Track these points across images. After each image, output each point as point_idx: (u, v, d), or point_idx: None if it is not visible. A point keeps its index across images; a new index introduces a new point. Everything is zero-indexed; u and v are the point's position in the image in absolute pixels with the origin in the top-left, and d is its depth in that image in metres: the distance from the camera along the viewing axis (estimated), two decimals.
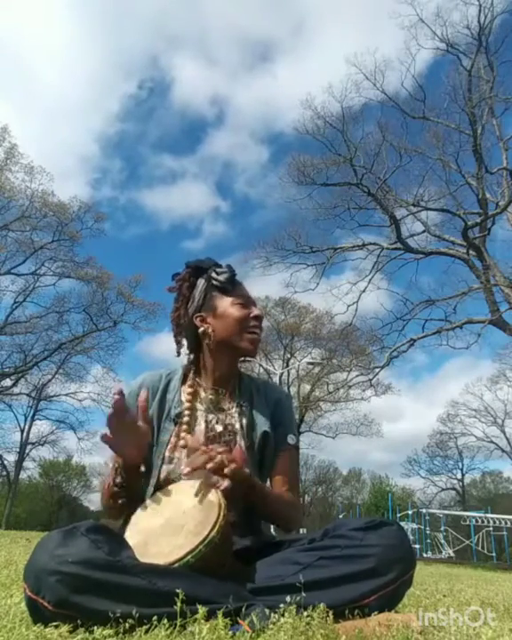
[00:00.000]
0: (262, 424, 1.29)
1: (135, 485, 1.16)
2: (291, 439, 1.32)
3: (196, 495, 1.02)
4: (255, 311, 1.34)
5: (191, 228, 44.43)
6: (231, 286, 1.33)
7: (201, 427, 1.27)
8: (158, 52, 37.07)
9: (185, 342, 1.38)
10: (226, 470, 1.02)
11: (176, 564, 0.92)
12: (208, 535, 0.93)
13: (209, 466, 1.01)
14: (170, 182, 41.39)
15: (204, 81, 37.99)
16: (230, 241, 41.45)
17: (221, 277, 1.32)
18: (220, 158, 40.75)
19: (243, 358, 1.38)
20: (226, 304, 1.32)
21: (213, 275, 1.34)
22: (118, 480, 1.13)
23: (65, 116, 35.91)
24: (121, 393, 1.05)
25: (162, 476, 1.20)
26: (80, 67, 35.47)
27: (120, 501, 1.13)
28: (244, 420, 1.29)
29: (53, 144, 34.06)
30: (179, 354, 1.38)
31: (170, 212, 42.95)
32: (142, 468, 1.19)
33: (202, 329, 1.31)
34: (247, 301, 1.34)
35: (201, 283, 1.35)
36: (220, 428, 1.27)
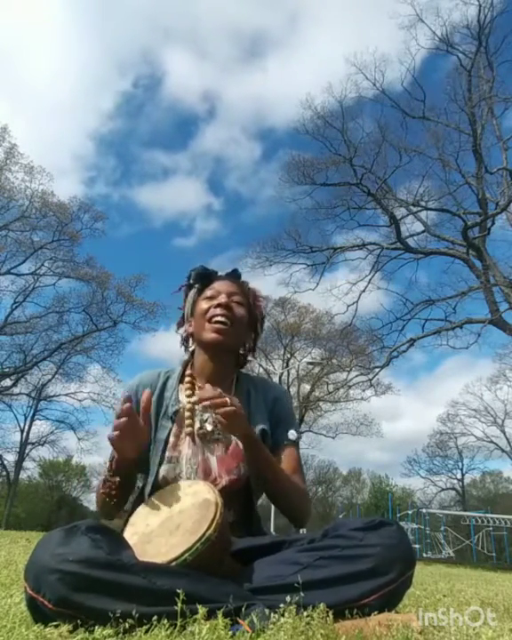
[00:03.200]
0: (259, 422, 1.29)
1: (128, 479, 1.18)
2: (292, 435, 1.32)
3: (194, 494, 1.02)
4: (220, 299, 1.34)
5: (183, 226, 44.06)
6: (202, 284, 1.40)
7: (197, 425, 1.27)
8: (150, 46, 36.62)
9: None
10: (223, 409, 1.10)
11: (173, 563, 0.92)
12: (205, 533, 0.94)
13: (215, 401, 1.10)
14: (162, 179, 40.80)
15: (195, 75, 37.51)
16: (223, 240, 41.02)
17: (191, 278, 1.40)
18: (213, 154, 40.04)
19: (215, 350, 1.35)
20: (200, 303, 1.37)
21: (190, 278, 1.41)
22: (111, 475, 1.13)
23: (56, 113, 35.60)
24: (129, 399, 1.09)
25: (161, 474, 1.21)
26: (71, 62, 35.24)
27: (113, 500, 1.13)
28: None
29: (45, 141, 33.90)
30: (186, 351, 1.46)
31: (162, 209, 42.38)
32: (136, 463, 1.19)
33: (188, 332, 1.40)
34: (217, 294, 1.37)
35: (191, 293, 1.42)
36: (209, 428, 1.27)
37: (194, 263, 1.49)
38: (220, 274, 1.44)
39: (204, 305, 1.35)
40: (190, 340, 1.43)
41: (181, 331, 1.45)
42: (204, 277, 1.40)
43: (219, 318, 1.32)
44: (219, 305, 1.33)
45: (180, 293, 1.46)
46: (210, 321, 1.32)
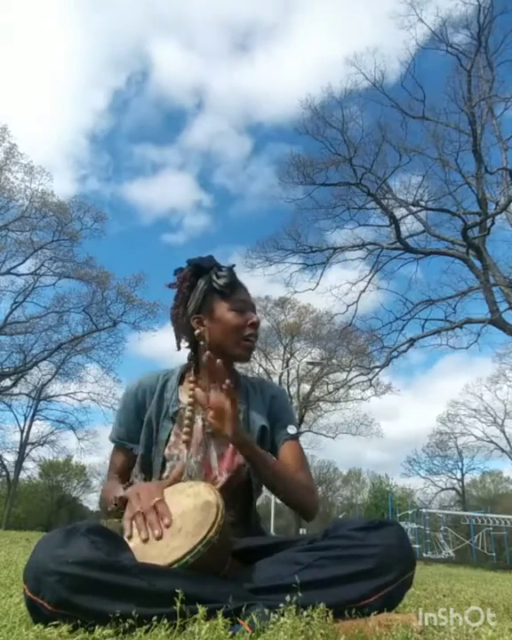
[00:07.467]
0: (259, 420, 1.30)
1: None
2: (291, 429, 1.33)
3: (194, 496, 1.02)
4: (252, 318, 1.32)
5: (173, 222, 43.40)
6: (230, 290, 1.32)
7: (198, 424, 1.28)
8: (139, 38, 35.93)
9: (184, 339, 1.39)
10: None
11: (175, 565, 0.91)
12: (206, 536, 0.93)
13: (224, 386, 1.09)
14: (151, 175, 40.12)
15: (183, 68, 36.87)
16: (212, 236, 40.46)
17: (221, 281, 1.31)
18: (202, 149, 39.45)
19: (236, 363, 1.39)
20: (223, 309, 1.31)
21: (214, 277, 1.32)
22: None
23: (46, 109, 35.29)
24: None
25: (163, 474, 1.21)
26: (61, 58, 34.95)
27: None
28: (241, 417, 1.28)
29: (37, 138, 33.64)
30: (179, 348, 1.39)
31: (152, 206, 41.66)
32: None
33: (198, 331, 1.31)
34: (245, 307, 1.33)
35: (201, 284, 1.33)
36: None
37: (183, 260, 1.39)
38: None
39: (233, 317, 1.30)
40: (201, 342, 1.33)
41: (198, 331, 1.32)
42: (234, 286, 1.34)
43: (251, 338, 1.32)
44: (252, 324, 1.32)
45: (173, 283, 1.37)
46: (242, 338, 1.31)
